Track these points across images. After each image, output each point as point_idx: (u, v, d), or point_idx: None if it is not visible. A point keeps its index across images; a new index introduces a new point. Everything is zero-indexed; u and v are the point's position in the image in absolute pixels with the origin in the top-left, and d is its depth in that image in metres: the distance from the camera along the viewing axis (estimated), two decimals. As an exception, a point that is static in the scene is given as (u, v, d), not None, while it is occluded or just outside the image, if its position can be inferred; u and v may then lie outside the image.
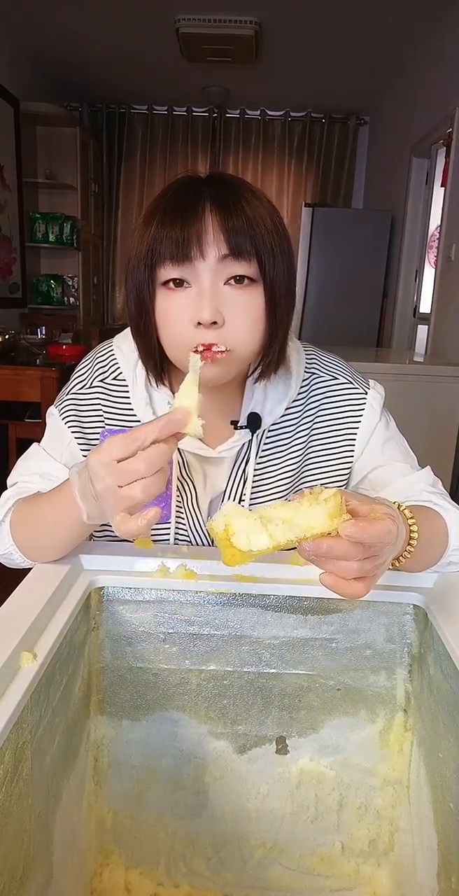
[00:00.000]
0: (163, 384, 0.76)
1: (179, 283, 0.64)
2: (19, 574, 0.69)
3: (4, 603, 0.60)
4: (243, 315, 0.64)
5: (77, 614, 0.63)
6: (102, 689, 0.72)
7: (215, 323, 0.63)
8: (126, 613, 0.70)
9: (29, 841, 0.53)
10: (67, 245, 4.52)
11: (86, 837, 0.72)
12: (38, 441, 0.82)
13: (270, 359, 0.71)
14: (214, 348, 0.63)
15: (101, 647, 0.71)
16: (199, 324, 0.63)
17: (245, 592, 0.68)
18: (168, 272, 0.63)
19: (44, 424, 0.82)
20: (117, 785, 0.74)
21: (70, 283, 4.70)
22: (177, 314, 0.65)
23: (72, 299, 4.71)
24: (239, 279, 0.64)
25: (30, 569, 0.70)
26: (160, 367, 0.73)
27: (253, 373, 0.74)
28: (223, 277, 0.64)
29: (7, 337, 2.86)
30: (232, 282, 0.64)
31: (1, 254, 3.86)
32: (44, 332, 3.27)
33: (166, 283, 0.64)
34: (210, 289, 0.63)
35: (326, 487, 0.51)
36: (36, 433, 0.80)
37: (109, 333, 0.87)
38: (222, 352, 0.64)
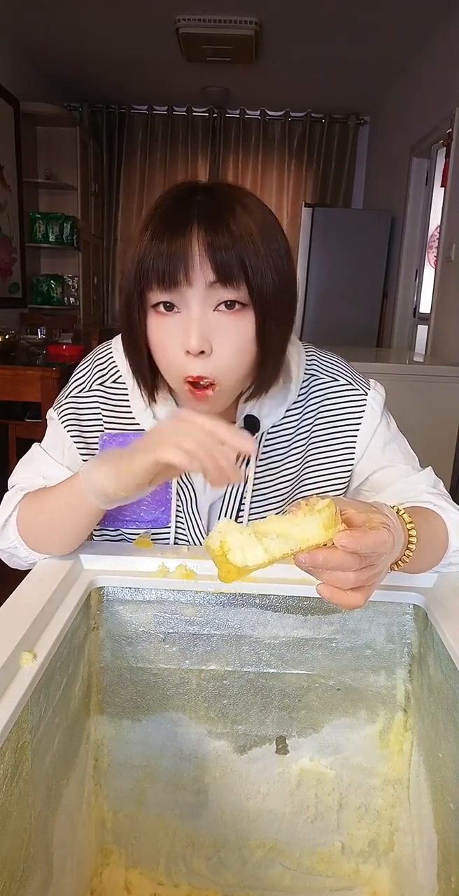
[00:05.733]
0: (155, 402, 0.74)
1: (169, 306, 0.63)
2: (19, 574, 0.69)
3: (4, 603, 0.60)
4: (231, 342, 0.63)
5: (77, 614, 0.63)
6: (102, 689, 0.72)
7: (203, 352, 0.62)
8: (126, 613, 0.70)
9: (29, 841, 0.53)
10: (67, 245, 4.52)
11: (86, 837, 0.72)
12: (38, 441, 0.82)
13: (260, 382, 0.70)
14: (202, 382, 0.63)
15: (101, 647, 0.71)
16: (188, 352, 0.62)
17: (245, 592, 0.68)
18: (156, 296, 0.62)
19: (44, 424, 0.82)
20: (117, 785, 0.74)
21: (70, 283, 4.70)
22: (166, 340, 0.64)
23: (72, 299, 4.70)
24: (230, 304, 0.62)
25: (29, 569, 0.70)
26: (152, 382, 0.71)
27: (244, 392, 0.72)
28: (212, 304, 0.62)
29: (7, 337, 2.86)
30: (222, 307, 0.62)
31: (1, 254, 3.86)
32: (44, 332, 3.27)
33: (156, 306, 0.63)
34: (198, 317, 0.61)
35: (321, 497, 0.50)
36: (36, 433, 0.80)
37: (109, 333, 0.87)
38: (211, 385, 0.64)
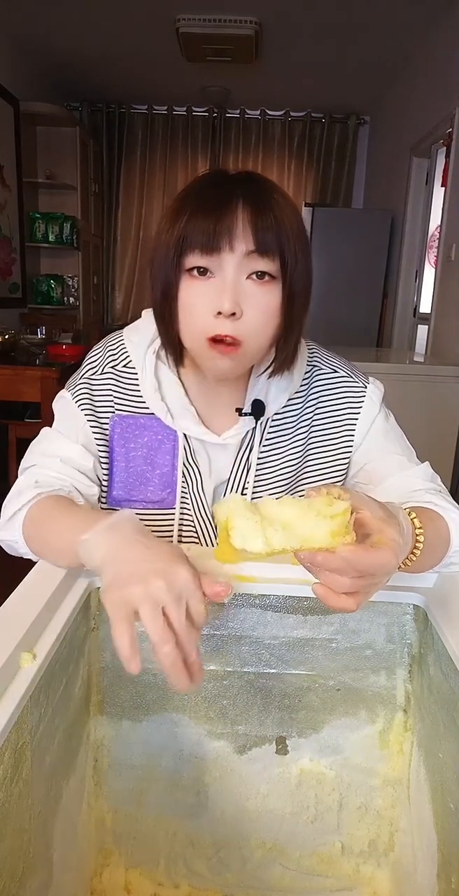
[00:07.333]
0: (183, 366, 0.77)
1: (203, 271, 0.66)
2: (19, 574, 0.69)
3: (4, 603, 0.60)
4: (260, 309, 0.67)
5: (77, 614, 0.63)
6: (102, 689, 0.71)
7: (234, 314, 0.65)
8: (126, 613, 0.70)
9: (29, 841, 0.53)
10: (67, 245, 4.51)
11: (86, 837, 0.72)
12: None
13: (285, 355, 0.74)
14: (227, 340, 0.66)
15: (101, 647, 0.70)
16: (219, 314, 0.65)
17: (245, 592, 0.68)
18: (195, 260, 0.66)
19: (44, 424, 0.82)
20: (117, 785, 0.74)
21: (70, 283, 4.70)
22: (198, 303, 0.67)
23: (72, 299, 4.70)
24: (261, 275, 0.66)
25: (30, 568, 0.69)
26: (179, 353, 0.75)
27: (267, 369, 0.75)
28: (246, 272, 0.66)
29: (7, 337, 2.87)
30: (253, 276, 0.66)
31: (1, 254, 3.86)
32: (44, 332, 3.28)
33: (191, 270, 0.67)
34: (233, 281, 0.65)
35: (344, 490, 0.50)
36: (36, 433, 0.80)
37: (109, 333, 0.88)
38: (235, 345, 0.66)
